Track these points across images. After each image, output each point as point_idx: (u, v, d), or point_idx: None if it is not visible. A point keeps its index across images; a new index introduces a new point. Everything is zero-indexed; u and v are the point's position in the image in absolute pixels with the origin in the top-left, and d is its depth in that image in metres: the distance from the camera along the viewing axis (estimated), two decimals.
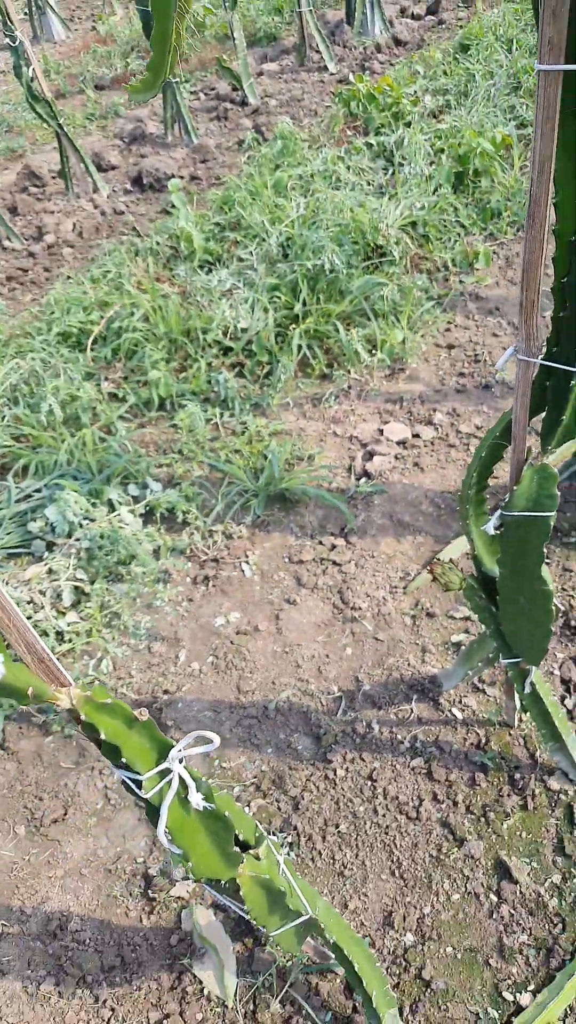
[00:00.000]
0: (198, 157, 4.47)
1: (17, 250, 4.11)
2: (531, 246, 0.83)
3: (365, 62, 4.97)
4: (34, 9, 7.04)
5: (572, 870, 1.54)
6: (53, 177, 4.71)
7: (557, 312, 0.90)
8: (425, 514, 2.29)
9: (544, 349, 0.96)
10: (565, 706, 1.79)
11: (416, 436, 2.50)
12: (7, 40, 3.81)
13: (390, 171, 3.45)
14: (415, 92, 3.96)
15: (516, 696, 1.58)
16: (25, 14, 7.59)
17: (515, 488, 1.11)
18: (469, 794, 1.68)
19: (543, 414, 1.07)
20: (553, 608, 1.28)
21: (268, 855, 1.01)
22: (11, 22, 3.71)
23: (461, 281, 2.99)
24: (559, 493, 1.11)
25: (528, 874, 1.55)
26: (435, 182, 3.14)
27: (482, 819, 1.64)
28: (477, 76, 3.79)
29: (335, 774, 1.76)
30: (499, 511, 1.18)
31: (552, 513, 1.13)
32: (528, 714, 1.55)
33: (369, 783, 1.73)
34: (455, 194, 3.18)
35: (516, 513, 1.15)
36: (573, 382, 0.95)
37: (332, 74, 5.03)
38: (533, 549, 1.18)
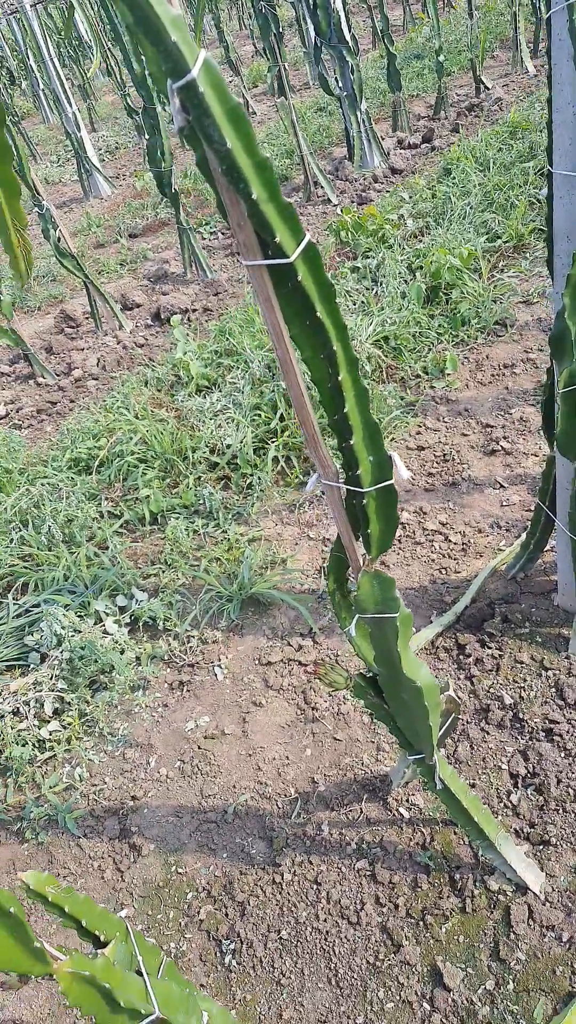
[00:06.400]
0: (211, 291, 4.91)
1: (49, 385, 4.56)
2: (296, 396, 0.99)
3: (364, 192, 5.41)
4: (82, 172, 7.99)
5: (505, 975, 1.51)
6: (86, 318, 5.24)
7: (340, 444, 1.04)
8: None
9: (342, 472, 1.09)
10: (511, 801, 1.78)
11: None
12: (35, 209, 4.39)
13: (373, 290, 3.72)
14: (400, 216, 4.29)
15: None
16: (76, 176, 8.64)
17: (358, 594, 1.22)
18: (410, 896, 1.67)
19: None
20: (429, 703, 1.34)
21: (122, 953, 1.08)
22: (39, 193, 4.29)
23: (432, 387, 3.15)
24: (397, 596, 1.20)
25: (462, 981, 1.52)
26: (408, 298, 3.38)
27: (421, 923, 1.63)
28: (453, 198, 4.09)
29: (282, 878, 1.78)
30: (356, 615, 1.28)
31: (396, 614, 1.22)
32: (449, 812, 1.56)
33: (314, 887, 1.75)
34: (427, 307, 3.39)
35: (368, 616, 1.24)
36: (364, 500, 1.07)
37: (335, 205, 5.48)
38: (392, 648, 1.27)
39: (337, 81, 5.70)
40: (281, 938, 1.67)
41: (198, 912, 1.78)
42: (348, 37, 5.48)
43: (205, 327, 4.34)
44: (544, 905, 1.59)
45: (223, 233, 5.89)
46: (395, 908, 1.67)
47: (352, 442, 1.03)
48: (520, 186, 4.15)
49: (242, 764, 2.08)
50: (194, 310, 4.74)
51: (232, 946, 1.69)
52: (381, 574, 1.20)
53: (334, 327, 0.92)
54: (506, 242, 3.83)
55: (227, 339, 3.67)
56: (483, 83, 6.49)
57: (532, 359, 3.18)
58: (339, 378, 0.96)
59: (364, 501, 1.08)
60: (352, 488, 1.09)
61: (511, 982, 1.51)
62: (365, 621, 1.27)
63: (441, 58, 6.15)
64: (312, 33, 5.93)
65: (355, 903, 1.70)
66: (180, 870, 1.88)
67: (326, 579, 1.30)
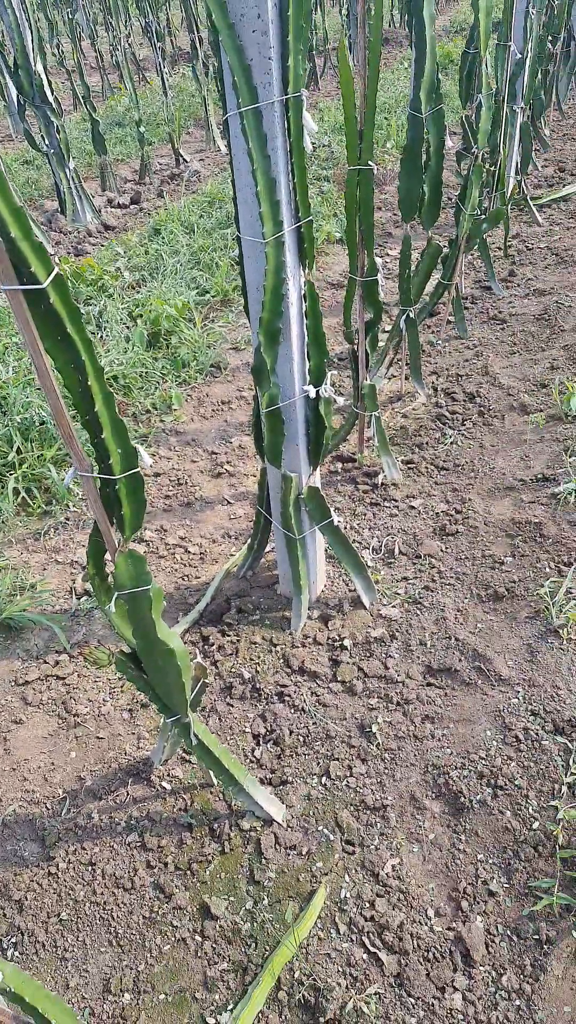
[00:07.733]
0: None
1: None
2: (52, 400, 1.21)
3: (79, 245, 5.65)
4: None
5: (261, 894, 1.79)
6: None
7: (92, 440, 1.28)
8: None
9: (95, 466, 1.33)
10: (255, 756, 2.10)
11: None
12: None
13: (99, 335, 3.97)
14: (117, 269, 4.61)
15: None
16: None
17: (116, 572, 1.45)
18: (177, 854, 1.89)
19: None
20: (182, 664, 1.60)
21: None
22: None
23: (162, 420, 3.48)
24: (150, 572, 1.45)
25: (226, 908, 1.77)
26: (132, 342, 3.68)
27: (188, 872, 1.85)
28: (164, 255, 4.53)
29: (58, 868, 1.89)
30: (115, 594, 1.50)
31: (149, 587, 1.47)
32: (203, 765, 1.82)
33: (89, 868, 1.88)
34: (150, 351, 3.73)
35: (126, 592, 1.48)
36: (116, 487, 1.32)
37: (52, 254, 5.63)
38: (147, 617, 1.51)
39: (43, 138, 5.91)
40: (61, 920, 1.78)
41: None
42: (51, 99, 5.74)
43: None
44: (287, 831, 1.91)
45: None
46: (165, 866, 1.87)
47: (103, 437, 1.28)
48: (221, 249, 4.72)
49: (6, 779, 2.14)
50: None
51: (13, 940, 1.75)
52: (135, 553, 1.44)
53: (82, 342, 1.16)
54: (214, 296, 4.34)
55: None
56: (182, 156, 7.16)
57: (244, 396, 3.67)
58: (88, 383, 1.21)
59: (116, 487, 1.32)
60: (105, 477, 1.32)
61: (266, 898, 1.80)
62: (123, 598, 1.50)
63: (142, 129, 6.68)
64: (14, 91, 6.08)
65: (128, 872, 1.87)
66: None
67: (86, 566, 1.51)
